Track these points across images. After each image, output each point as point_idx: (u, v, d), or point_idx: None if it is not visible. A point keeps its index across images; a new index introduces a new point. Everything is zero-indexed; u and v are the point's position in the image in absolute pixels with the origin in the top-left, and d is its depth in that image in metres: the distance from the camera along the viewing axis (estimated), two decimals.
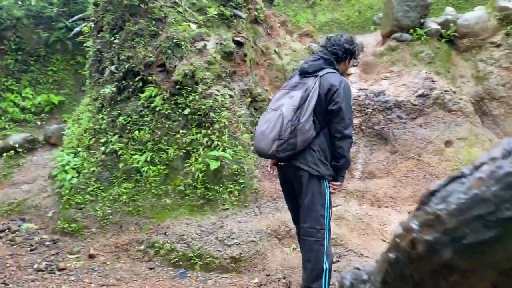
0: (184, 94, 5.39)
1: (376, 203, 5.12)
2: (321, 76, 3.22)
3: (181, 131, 5.31)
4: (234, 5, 6.20)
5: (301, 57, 6.82)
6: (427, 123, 5.65)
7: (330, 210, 3.29)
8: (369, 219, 4.60)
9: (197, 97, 5.31)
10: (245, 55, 6.00)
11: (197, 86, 5.36)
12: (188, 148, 5.24)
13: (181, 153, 5.27)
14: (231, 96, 5.54)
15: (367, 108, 5.92)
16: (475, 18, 7.19)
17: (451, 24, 7.31)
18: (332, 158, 3.25)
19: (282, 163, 3.31)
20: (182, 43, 5.54)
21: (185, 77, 5.36)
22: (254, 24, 6.68)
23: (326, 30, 10.55)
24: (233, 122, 5.38)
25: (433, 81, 6.04)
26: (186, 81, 5.37)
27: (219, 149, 5.12)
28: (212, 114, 5.26)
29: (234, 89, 5.71)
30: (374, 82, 6.48)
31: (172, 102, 5.42)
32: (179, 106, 5.39)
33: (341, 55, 3.38)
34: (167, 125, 5.38)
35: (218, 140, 5.18)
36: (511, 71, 6.66)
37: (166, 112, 5.40)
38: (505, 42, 6.90)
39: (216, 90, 5.47)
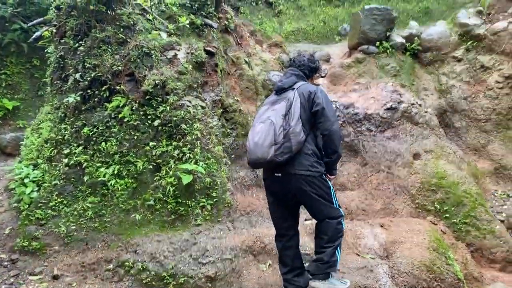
0: (154, 105, 5.21)
1: (348, 216, 5.14)
2: (297, 88, 3.59)
3: (150, 143, 5.12)
4: (205, 14, 6.09)
5: (271, 68, 6.79)
6: (395, 135, 5.76)
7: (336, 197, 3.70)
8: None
9: (168, 108, 5.15)
10: (216, 65, 5.90)
11: (168, 97, 5.20)
12: (158, 160, 5.07)
13: (151, 166, 5.09)
14: (203, 107, 5.42)
15: (338, 120, 5.96)
16: (438, 33, 7.44)
17: (415, 38, 7.53)
18: (324, 155, 3.55)
19: (278, 174, 3.47)
20: (152, 52, 5.36)
21: (156, 87, 5.18)
22: (224, 33, 6.59)
23: (292, 39, 10.60)
24: (205, 134, 5.26)
25: (399, 94, 6.17)
26: (156, 92, 5.19)
27: (191, 162, 4.98)
28: (183, 126, 5.12)
29: (205, 100, 5.59)
30: (343, 94, 6.55)
31: (141, 113, 5.23)
32: (149, 117, 5.20)
33: (308, 73, 3.88)
34: (135, 137, 5.18)
35: (190, 153, 5.04)
36: (472, 85, 6.92)
37: (135, 123, 5.20)
38: (466, 57, 7.17)
39: (187, 101, 5.33)
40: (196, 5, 6.07)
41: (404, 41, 7.51)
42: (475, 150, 6.48)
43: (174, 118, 5.12)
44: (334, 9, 11.41)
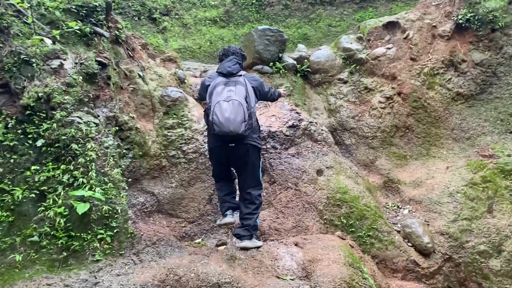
0: (37, 122, 4.40)
1: (262, 236, 4.94)
2: (244, 75, 4.60)
3: (32, 167, 4.29)
4: (94, 22, 5.44)
5: (167, 83, 6.36)
6: (299, 153, 5.79)
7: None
8: (260, 255, 4.36)
9: (54, 125, 4.38)
10: (109, 78, 5.28)
11: (55, 112, 4.44)
12: (43, 188, 4.25)
13: (33, 195, 4.24)
14: (96, 125, 4.75)
15: None
16: (325, 56, 7.85)
17: (305, 60, 7.82)
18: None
19: (232, 144, 4.38)
20: (33, 60, 4.55)
21: (38, 101, 4.39)
22: (115, 44, 5.97)
23: (178, 57, 10.27)
24: (100, 155, 4.60)
25: (297, 113, 6.26)
26: (39, 106, 4.39)
27: (85, 187, 4.28)
28: (74, 146, 4.40)
29: (98, 116, 4.92)
30: None
31: (19, 131, 4.36)
32: (29, 136, 4.36)
33: (241, 62, 4.87)
34: (12, 160, 4.29)
35: (83, 177, 4.33)
36: (358, 105, 7.40)
37: (11, 144, 4.31)
38: (350, 79, 7.67)
39: (78, 117, 4.62)
40: (84, 11, 5.40)
41: (295, 62, 7.75)
42: (365, 165, 6.88)
43: (63, 137, 4.38)
44: (220, 30, 11.41)
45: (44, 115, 4.44)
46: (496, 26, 6.91)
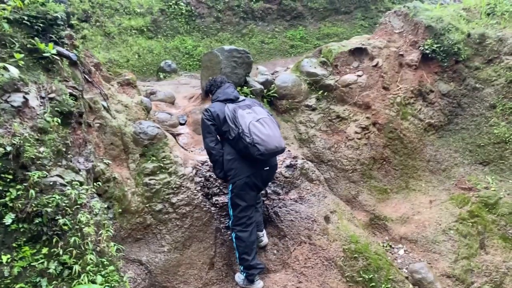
0: (1, 188, 3.03)
1: None
2: (246, 99, 4.52)
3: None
4: (55, 39, 4.10)
5: (135, 116, 5.16)
6: (301, 197, 5.11)
7: None
8: None
9: (31, 192, 3.07)
10: (81, 115, 4.01)
11: (28, 173, 3.12)
12: (18, 285, 2.93)
13: None
14: (80, 183, 3.49)
15: None
16: (291, 81, 7.28)
17: (272, 85, 7.17)
18: None
19: (267, 168, 4.25)
20: None
21: (4, 158, 3.03)
22: (71, 66, 4.62)
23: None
24: (93, 226, 3.37)
25: (288, 150, 5.60)
26: (4, 165, 3.04)
27: (84, 280, 3.06)
28: (61, 220, 3.13)
29: (80, 170, 3.65)
30: None
31: None
32: None
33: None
34: None
35: (76, 263, 3.10)
36: (330, 135, 6.97)
37: None
38: (319, 106, 7.22)
39: (58, 175, 3.33)
40: (39, 24, 4.02)
41: (262, 87, 7.05)
42: (348, 201, 6.46)
43: (45, 209, 3.09)
44: (148, 41, 10.14)
45: (10, 177, 3.08)
46: (459, 58, 7.09)
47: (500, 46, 7.07)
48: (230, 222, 4.35)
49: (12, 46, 3.77)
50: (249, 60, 6.93)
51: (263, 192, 4.82)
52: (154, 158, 4.79)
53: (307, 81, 7.39)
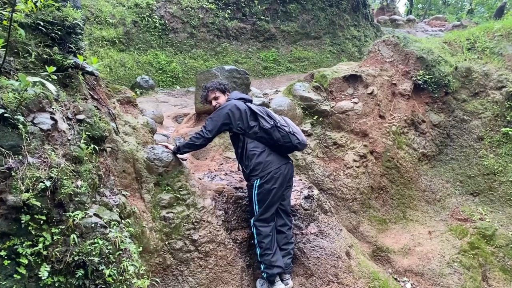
0: (33, 233, 2.45)
1: None
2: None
3: None
4: (74, 50, 3.54)
5: (143, 139, 4.62)
6: (321, 231, 4.81)
7: None
8: None
9: (73, 237, 2.51)
10: (103, 140, 3.46)
11: (67, 213, 2.55)
12: None
13: None
14: (117, 223, 2.95)
15: None
16: (287, 104, 7.03)
17: (269, 108, 6.88)
18: None
19: (291, 161, 4.53)
20: (17, 117, 2.57)
21: (41, 195, 2.45)
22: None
23: None
24: (133, 274, 2.84)
25: (300, 179, 5.32)
26: (40, 204, 2.46)
27: None
28: (106, 270, 2.59)
29: (112, 207, 3.10)
30: (227, 177, 5.12)
31: None
32: (21, 261, 2.39)
33: None
34: None
35: None
36: (327, 162, 6.78)
37: None
38: (314, 132, 7.03)
39: (96, 215, 2.78)
40: (56, 32, 3.45)
41: None
42: (350, 232, 6.25)
43: (88, 258, 2.53)
44: (120, 54, 9.47)
45: (43, 218, 2.51)
46: (449, 90, 7.27)
47: (486, 81, 7.35)
48: (253, 219, 4.24)
49: (26, 55, 3.20)
50: (248, 81, 6.63)
51: (290, 217, 4.50)
52: (169, 188, 4.27)
53: (301, 106, 7.19)
